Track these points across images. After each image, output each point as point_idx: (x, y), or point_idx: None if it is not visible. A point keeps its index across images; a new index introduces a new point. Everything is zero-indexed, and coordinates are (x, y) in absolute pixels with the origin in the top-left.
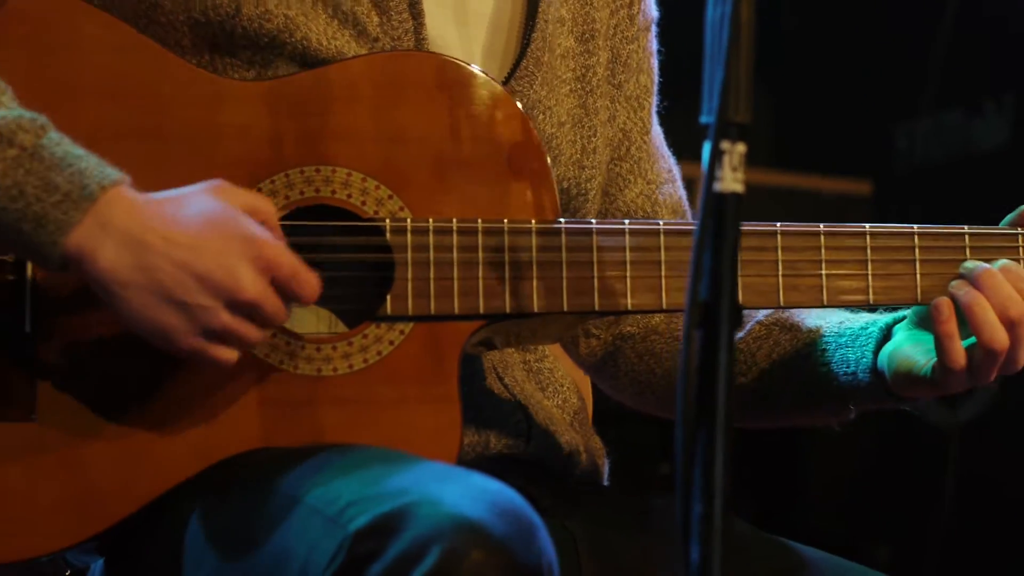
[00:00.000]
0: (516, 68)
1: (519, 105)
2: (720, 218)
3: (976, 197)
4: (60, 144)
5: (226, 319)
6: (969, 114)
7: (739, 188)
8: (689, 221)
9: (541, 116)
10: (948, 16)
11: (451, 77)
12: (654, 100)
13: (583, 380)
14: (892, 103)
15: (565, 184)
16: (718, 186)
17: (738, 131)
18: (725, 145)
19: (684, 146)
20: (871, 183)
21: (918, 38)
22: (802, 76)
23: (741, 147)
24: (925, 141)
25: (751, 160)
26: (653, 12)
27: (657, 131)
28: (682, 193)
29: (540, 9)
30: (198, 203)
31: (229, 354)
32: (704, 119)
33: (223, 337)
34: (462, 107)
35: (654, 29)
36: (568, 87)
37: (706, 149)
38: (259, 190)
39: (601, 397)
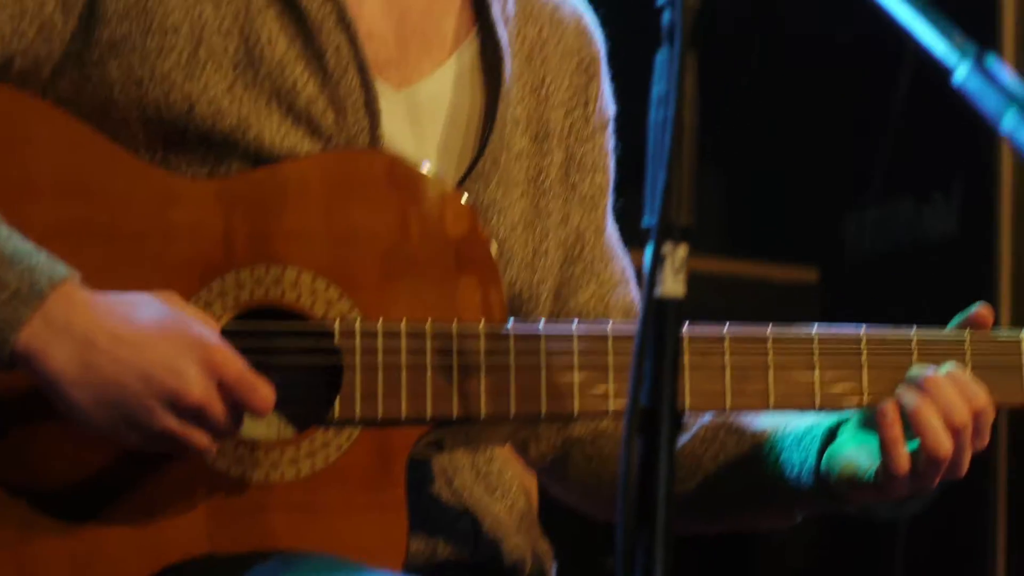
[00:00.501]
0: (472, 168)
1: (469, 205)
2: (661, 324)
3: (924, 286)
4: (10, 240)
5: (170, 422)
6: (917, 203)
7: (680, 293)
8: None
9: (495, 218)
10: (896, 106)
11: (402, 176)
12: (609, 199)
13: (531, 480)
14: (840, 191)
15: (517, 287)
16: (659, 291)
17: (680, 234)
18: (667, 248)
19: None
20: (819, 271)
21: (866, 127)
22: (751, 163)
23: (683, 250)
24: (873, 230)
25: (700, 248)
26: (610, 110)
27: (612, 231)
28: (635, 295)
29: (499, 109)
30: (149, 306)
31: (179, 453)
32: (646, 222)
33: (167, 440)
34: (412, 207)
35: (611, 127)
36: (521, 188)
37: (648, 252)
38: (209, 290)
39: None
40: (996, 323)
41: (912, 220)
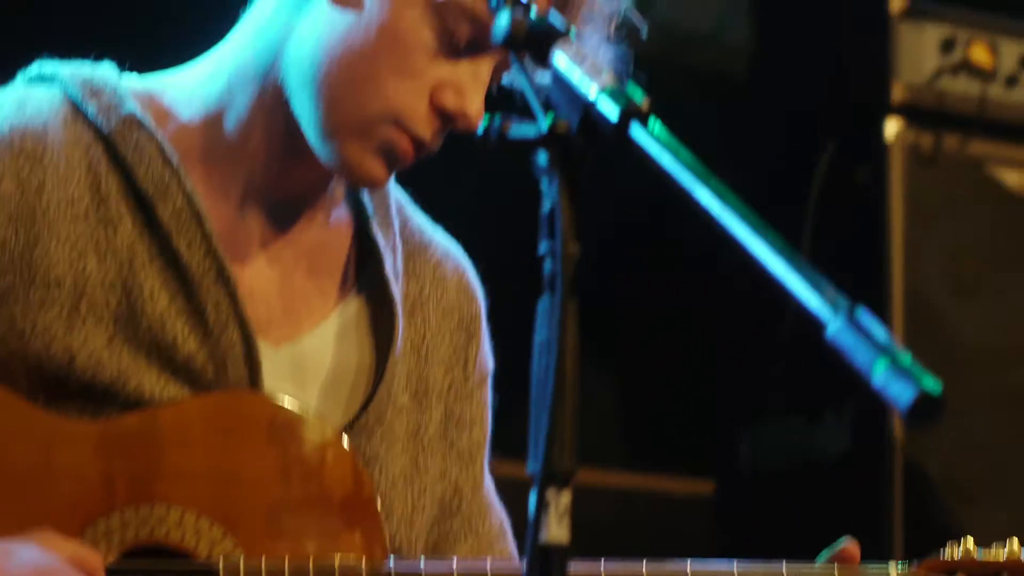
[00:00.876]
0: (356, 421)
1: (349, 448)
2: (545, 570)
3: (818, 502)
4: None
5: None
6: (810, 421)
7: (565, 538)
8: (517, 562)
9: (377, 472)
10: (791, 324)
11: (283, 419)
12: (487, 452)
13: None
14: (736, 407)
15: (396, 542)
16: (544, 537)
17: (563, 480)
18: (550, 494)
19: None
20: (715, 484)
21: (762, 345)
22: (649, 378)
23: (567, 496)
24: (768, 446)
25: (597, 461)
26: (489, 366)
27: (489, 484)
28: (513, 548)
29: (388, 366)
30: (25, 554)
31: None
32: (530, 468)
33: None
34: (294, 449)
35: (490, 380)
36: (401, 444)
37: (532, 499)
38: (95, 530)
39: None
40: (889, 541)
41: (806, 437)
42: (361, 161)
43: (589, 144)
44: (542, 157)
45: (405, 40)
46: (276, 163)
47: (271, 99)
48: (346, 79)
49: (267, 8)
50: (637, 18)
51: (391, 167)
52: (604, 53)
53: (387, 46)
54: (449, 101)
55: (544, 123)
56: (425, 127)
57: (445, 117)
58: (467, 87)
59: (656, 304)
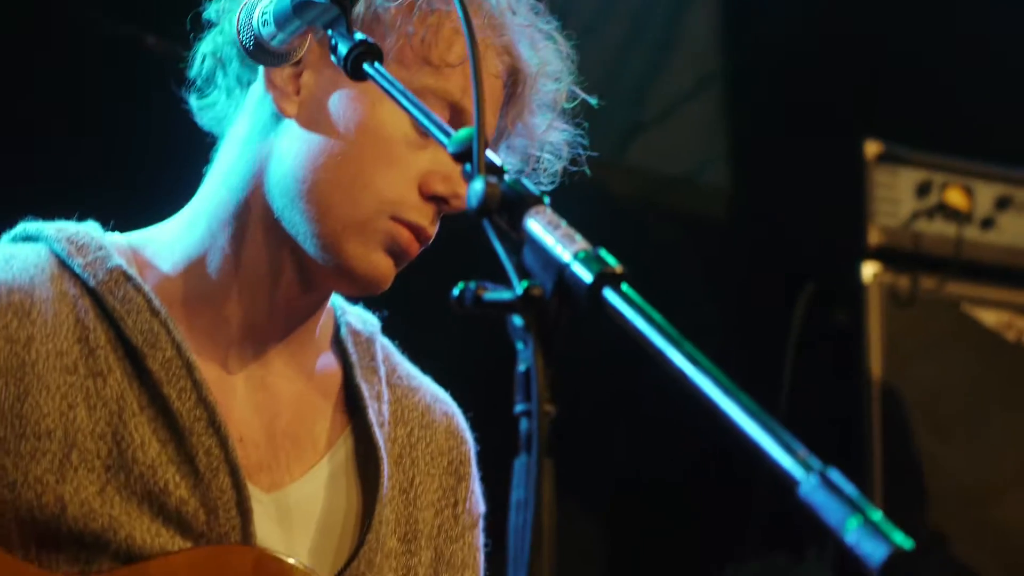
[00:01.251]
0: (347, 567)
1: None
2: None
3: None
4: None
5: None
6: (792, 559)
7: None
8: None
9: None
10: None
11: (272, 570)
12: None
13: None
14: (719, 546)
15: None
16: None
17: None
18: None
19: None
20: None
21: (745, 483)
22: (633, 516)
23: None
24: None
25: None
26: (480, 508)
27: None
28: None
29: (376, 512)
30: None
31: None
32: None
33: None
34: None
35: (481, 524)
36: None
37: None
38: None
39: None
40: None
41: (788, 574)
42: (366, 256)
43: (563, 308)
44: (517, 320)
45: (384, 133)
46: (264, 293)
47: (256, 230)
48: (334, 184)
49: (233, 148)
50: (583, 92)
51: (396, 262)
52: (556, 136)
53: (369, 142)
54: (439, 187)
55: (519, 287)
56: (420, 215)
57: (438, 200)
58: (452, 170)
59: (640, 442)
